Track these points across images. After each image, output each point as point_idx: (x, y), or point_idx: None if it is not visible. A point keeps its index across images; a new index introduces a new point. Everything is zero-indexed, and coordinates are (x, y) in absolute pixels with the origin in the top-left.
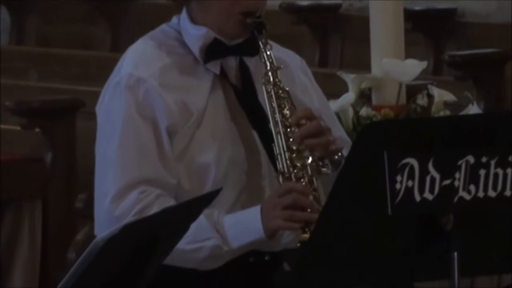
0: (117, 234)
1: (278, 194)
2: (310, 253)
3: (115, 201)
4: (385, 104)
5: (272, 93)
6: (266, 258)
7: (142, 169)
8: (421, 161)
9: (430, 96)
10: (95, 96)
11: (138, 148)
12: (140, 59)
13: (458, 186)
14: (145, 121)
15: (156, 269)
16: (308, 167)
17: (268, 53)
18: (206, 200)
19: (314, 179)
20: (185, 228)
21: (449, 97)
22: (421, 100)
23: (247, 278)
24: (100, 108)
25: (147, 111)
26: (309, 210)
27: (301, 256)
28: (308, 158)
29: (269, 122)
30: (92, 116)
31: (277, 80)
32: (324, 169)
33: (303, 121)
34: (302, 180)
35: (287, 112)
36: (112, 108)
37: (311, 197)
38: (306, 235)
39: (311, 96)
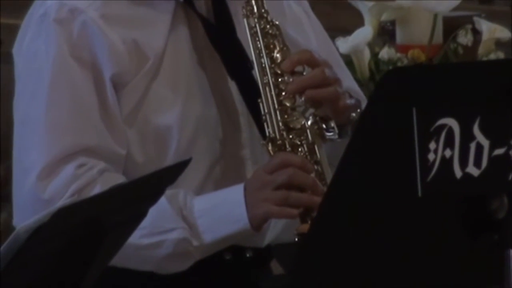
0: (47, 223)
1: (269, 169)
2: (310, 249)
3: (43, 178)
4: (414, 43)
5: (257, 28)
6: (248, 255)
7: (79, 135)
8: (464, 122)
9: (476, 33)
10: (14, 31)
11: (73, 106)
12: None
13: None
14: (83, 68)
15: (101, 269)
16: (308, 131)
17: None
18: (169, 176)
19: (316, 148)
20: (141, 215)
21: (503, 33)
22: (464, 38)
23: (222, 283)
24: (20, 51)
25: (85, 54)
26: (310, 191)
27: (299, 253)
28: (308, 119)
29: (252, 68)
30: (11, 58)
31: (263, 11)
32: (329, 134)
33: (299, 68)
34: (300, 149)
35: (278, 55)
36: (37, 50)
37: (313, 174)
38: (306, 226)
39: (307, 33)
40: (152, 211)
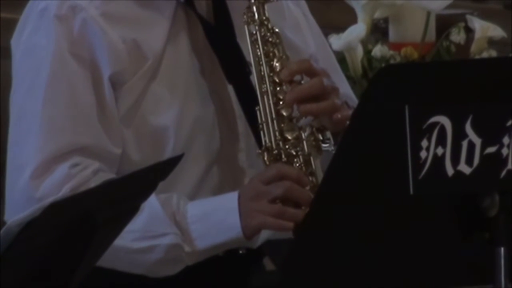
0: (39, 217)
1: (265, 180)
2: (302, 247)
3: (37, 177)
4: (406, 41)
5: (258, 36)
6: (241, 252)
7: (75, 134)
8: (456, 120)
9: (469, 31)
10: (12, 25)
11: (71, 103)
12: None
13: (507, 155)
14: (81, 66)
15: (91, 266)
16: (304, 142)
17: None
18: (162, 171)
19: (312, 159)
20: (133, 210)
21: (496, 31)
22: (457, 36)
23: (214, 279)
24: (18, 44)
25: (84, 51)
26: (305, 206)
27: (291, 251)
28: (305, 130)
29: (251, 73)
30: (8, 53)
31: (264, 18)
32: (325, 145)
33: (298, 77)
34: (295, 160)
35: (277, 64)
36: (35, 45)
37: (308, 187)
38: None
39: (305, 36)
40: (145, 215)
